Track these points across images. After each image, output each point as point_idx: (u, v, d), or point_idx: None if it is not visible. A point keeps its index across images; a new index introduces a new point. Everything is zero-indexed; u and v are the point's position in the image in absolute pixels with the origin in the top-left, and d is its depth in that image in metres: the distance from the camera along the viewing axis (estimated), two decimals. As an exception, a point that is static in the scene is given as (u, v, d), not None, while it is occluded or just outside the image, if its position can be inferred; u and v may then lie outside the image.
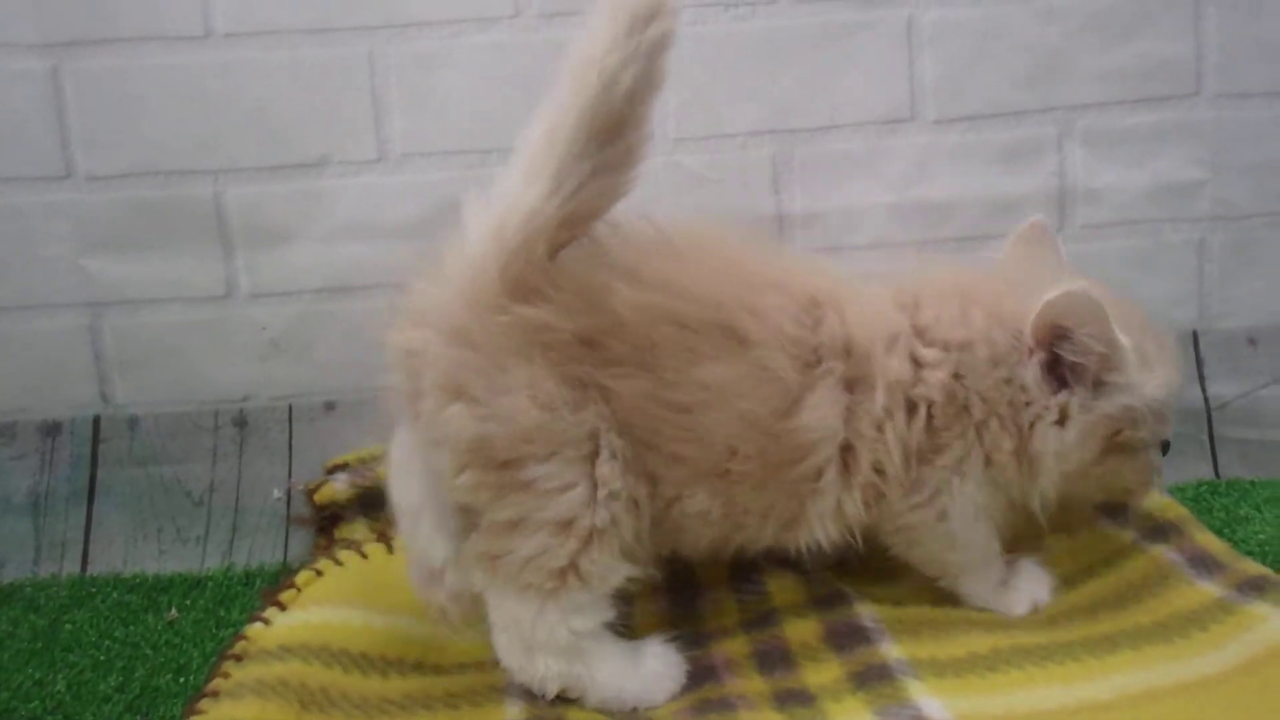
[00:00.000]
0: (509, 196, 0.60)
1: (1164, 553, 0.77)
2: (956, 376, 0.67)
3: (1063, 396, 0.68)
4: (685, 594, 0.79)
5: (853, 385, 0.67)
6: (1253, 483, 1.05)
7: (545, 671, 0.64)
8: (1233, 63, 1.08)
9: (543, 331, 0.60)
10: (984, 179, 1.07)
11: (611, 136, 0.59)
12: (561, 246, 0.62)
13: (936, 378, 0.67)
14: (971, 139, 1.06)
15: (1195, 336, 1.13)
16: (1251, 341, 1.13)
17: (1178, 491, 1.02)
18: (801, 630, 0.70)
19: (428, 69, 1.02)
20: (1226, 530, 0.91)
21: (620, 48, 0.57)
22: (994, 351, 0.68)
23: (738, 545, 0.69)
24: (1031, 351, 0.68)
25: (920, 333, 0.69)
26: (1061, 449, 0.68)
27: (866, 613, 0.71)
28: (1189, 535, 0.79)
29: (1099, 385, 0.68)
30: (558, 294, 0.61)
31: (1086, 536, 0.82)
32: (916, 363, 0.68)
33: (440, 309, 0.61)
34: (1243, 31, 1.07)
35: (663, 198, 1.00)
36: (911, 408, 0.67)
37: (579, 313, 0.61)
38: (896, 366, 0.67)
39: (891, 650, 0.66)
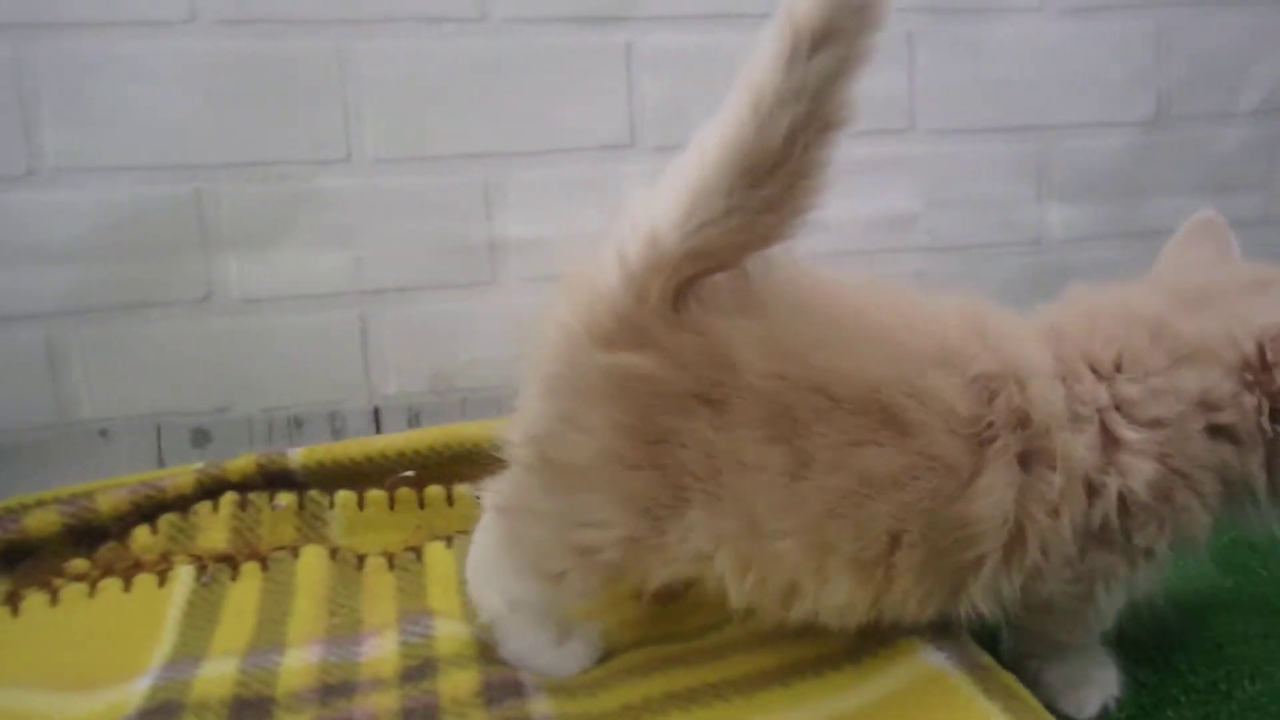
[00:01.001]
0: (640, 220, 0.53)
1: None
2: (1163, 458, 0.57)
3: None
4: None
5: (1027, 460, 0.57)
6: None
7: (489, 604, 0.64)
8: (944, 99, 1.10)
9: (645, 381, 0.54)
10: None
11: (761, 179, 0.50)
12: (691, 282, 0.54)
13: (1143, 468, 0.57)
14: (694, 167, 1.04)
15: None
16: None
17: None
18: (456, 683, 0.65)
19: (85, 75, 0.91)
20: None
21: (781, 78, 0.47)
22: (1209, 402, 0.58)
23: (894, 622, 0.62)
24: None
25: (1120, 405, 0.58)
26: None
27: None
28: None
29: None
30: (675, 343, 0.54)
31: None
32: (1114, 442, 0.58)
33: (563, 321, 0.56)
34: (953, 71, 1.10)
35: (362, 222, 0.94)
36: (1094, 490, 0.57)
37: (700, 367, 0.54)
38: (1084, 451, 0.57)
39: (539, 705, 0.62)
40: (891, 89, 1.08)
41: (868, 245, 1.11)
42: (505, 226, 1.01)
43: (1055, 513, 0.57)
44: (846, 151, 1.05)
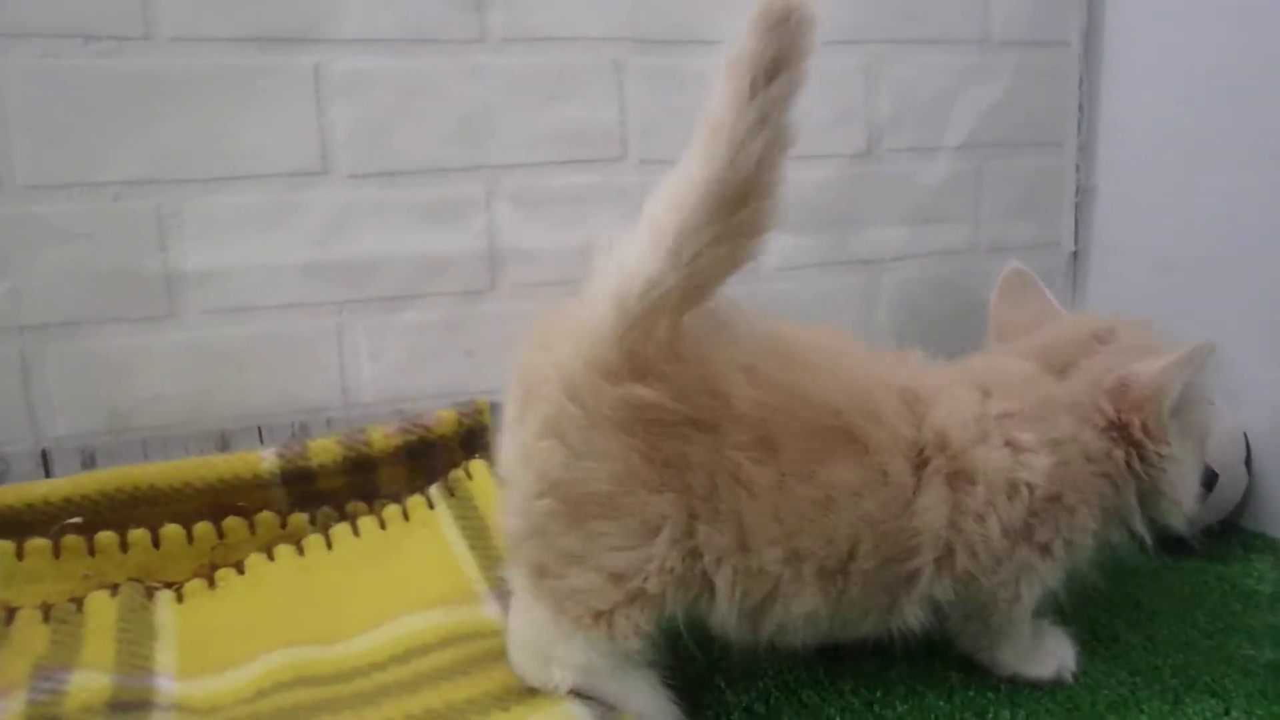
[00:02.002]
0: (632, 264, 0.59)
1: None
2: (1060, 465, 0.69)
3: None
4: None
5: (953, 480, 0.68)
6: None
7: (559, 679, 0.67)
8: (655, 130, 1.10)
9: (652, 410, 0.61)
10: (410, 237, 1.02)
11: (739, 205, 0.57)
12: (683, 314, 0.61)
13: (1040, 463, 0.68)
14: (394, 195, 1.01)
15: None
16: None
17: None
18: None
19: None
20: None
21: (744, 112, 0.55)
22: (1087, 451, 0.71)
23: (849, 635, 0.72)
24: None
25: (1008, 418, 0.70)
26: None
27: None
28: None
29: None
30: (675, 374, 0.61)
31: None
32: (1014, 447, 0.69)
33: (561, 361, 0.62)
34: (661, 102, 1.10)
35: (16, 252, 0.87)
36: (1012, 490, 0.68)
37: (696, 396, 0.61)
38: (996, 456, 0.68)
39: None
40: (602, 118, 1.07)
41: (578, 276, 1.10)
42: (182, 257, 0.95)
43: (981, 518, 0.68)
44: (556, 180, 1.05)
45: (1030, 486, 0.69)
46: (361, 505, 0.98)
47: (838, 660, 0.81)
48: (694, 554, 0.64)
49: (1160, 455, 0.71)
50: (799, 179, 1.18)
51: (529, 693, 0.69)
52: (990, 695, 0.77)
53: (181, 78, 0.93)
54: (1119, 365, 0.72)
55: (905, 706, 0.76)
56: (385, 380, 1.05)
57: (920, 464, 0.67)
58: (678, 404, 0.61)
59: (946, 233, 1.29)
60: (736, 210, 0.58)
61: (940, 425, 0.68)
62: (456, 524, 0.93)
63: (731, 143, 0.56)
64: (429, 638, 0.78)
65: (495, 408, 1.07)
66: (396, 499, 0.98)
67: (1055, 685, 0.77)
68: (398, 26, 0.99)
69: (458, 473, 0.98)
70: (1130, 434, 0.72)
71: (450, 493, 0.97)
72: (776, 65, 0.55)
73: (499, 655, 0.74)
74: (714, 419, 0.62)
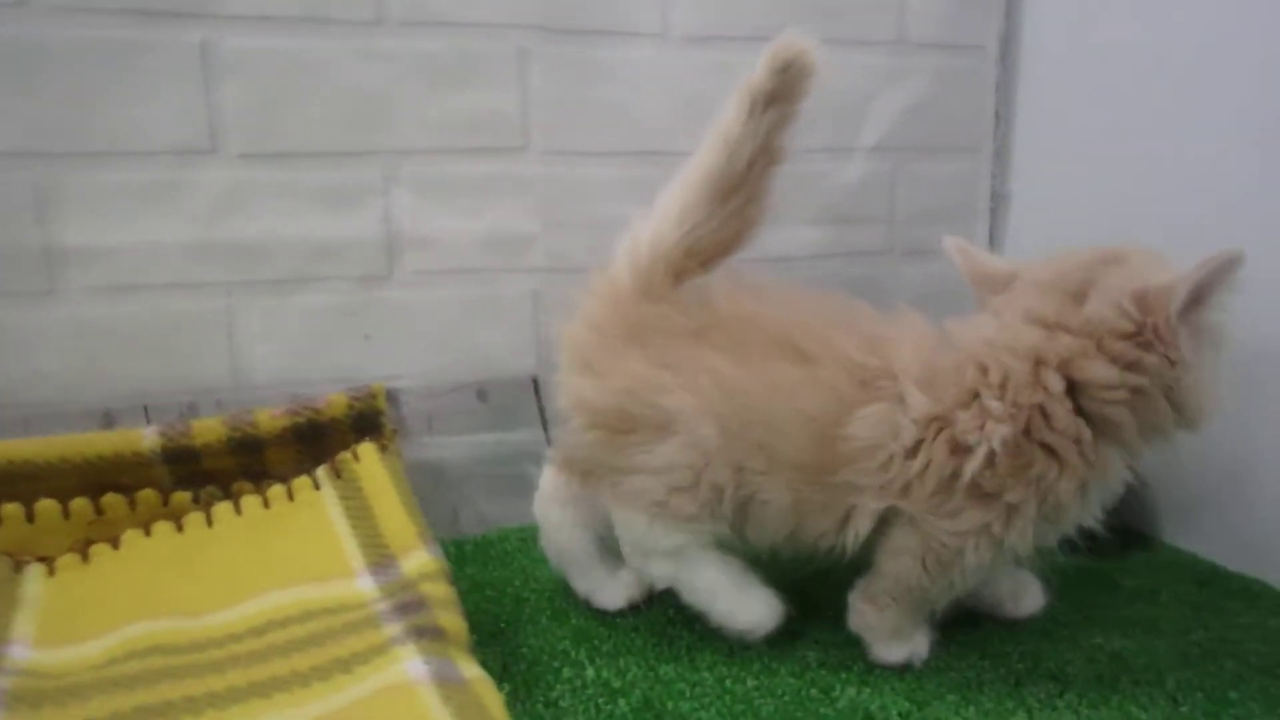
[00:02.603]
0: (646, 228, 0.78)
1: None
2: (1027, 432, 0.71)
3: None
4: None
5: (900, 405, 0.74)
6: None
7: (658, 571, 0.81)
8: (561, 121, 1.10)
9: (663, 320, 0.77)
10: (304, 220, 1.02)
11: (729, 196, 0.76)
12: (685, 275, 0.78)
13: (999, 431, 0.71)
14: (288, 177, 1.01)
15: (536, 383, 1.14)
16: (593, 389, 1.16)
17: (529, 530, 1.05)
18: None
19: None
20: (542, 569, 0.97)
21: (743, 124, 0.73)
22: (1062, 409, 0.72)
23: (812, 538, 0.78)
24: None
25: (988, 387, 0.73)
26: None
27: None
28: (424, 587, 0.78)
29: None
30: (674, 298, 0.78)
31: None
32: (983, 410, 0.72)
33: (586, 308, 0.80)
34: (567, 92, 1.10)
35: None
36: (962, 449, 0.72)
37: (693, 312, 0.77)
38: (925, 402, 0.73)
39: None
40: (504, 107, 1.07)
41: (481, 265, 1.10)
42: (63, 232, 0.94)
43: (911, 454, 0.73)
44: (457, 168, 1.05)
45: (990, 451, 0.71)
46: (248, 485, 0.96)
47: (702, 638, 0.82)
48: (703, 458, 0.76)
49: (1172, 360, 0.71)
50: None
51: (374, 655, 0.67)
52: (841, 674, 0.78)
53: (59, 48, 0.92)
54: (1140, 279, 0.72)
55: (755, 682, 0.77)
56: (279, 363, 1.04)
57: (866, 382, 0.74)
58: (676, 315, 0.77)
59: (861, 234, 1.29)
60: (729, 198, 0.76)
61: (896, 361, 0.75)
62: (341, 504, 0.92)
63: (728, 145, 0.74)
64: (291, 611, 0.77)
65: (393, 393, 1.06)
66: (285, 480, 0.96)
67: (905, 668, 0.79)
68: (291, 4, 0.99)
69: (345, 455, 0.97)
70: (1151, 339, 0.71)
71: (337, 474, 0.96)
72: (774, 98, 0.73)
73: (359, 626, 0.73)
74: (702, 327, 0.77)
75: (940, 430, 0.73)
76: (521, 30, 1.09)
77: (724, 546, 0.80)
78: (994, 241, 1.33)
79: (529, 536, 1.04)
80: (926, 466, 0.73)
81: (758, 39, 1.22)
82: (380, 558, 0.83)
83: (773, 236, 1.22)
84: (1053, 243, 1.24)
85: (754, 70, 0.73)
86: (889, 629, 0.79)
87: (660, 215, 0.77)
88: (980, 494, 0.73)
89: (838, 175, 1.26)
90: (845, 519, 0.76)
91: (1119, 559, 1.01)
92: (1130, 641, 0.83)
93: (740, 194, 0.76)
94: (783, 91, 0.73)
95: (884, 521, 0.77)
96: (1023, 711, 0.73)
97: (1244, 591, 0.93)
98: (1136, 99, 1.10)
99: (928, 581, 0.77)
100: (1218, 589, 0.94)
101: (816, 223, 1.26)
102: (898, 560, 0.77)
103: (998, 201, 1.33)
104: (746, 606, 0.79)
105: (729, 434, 0.75)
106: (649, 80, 1.15)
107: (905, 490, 0.74)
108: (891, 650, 0.79)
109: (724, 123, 0.74)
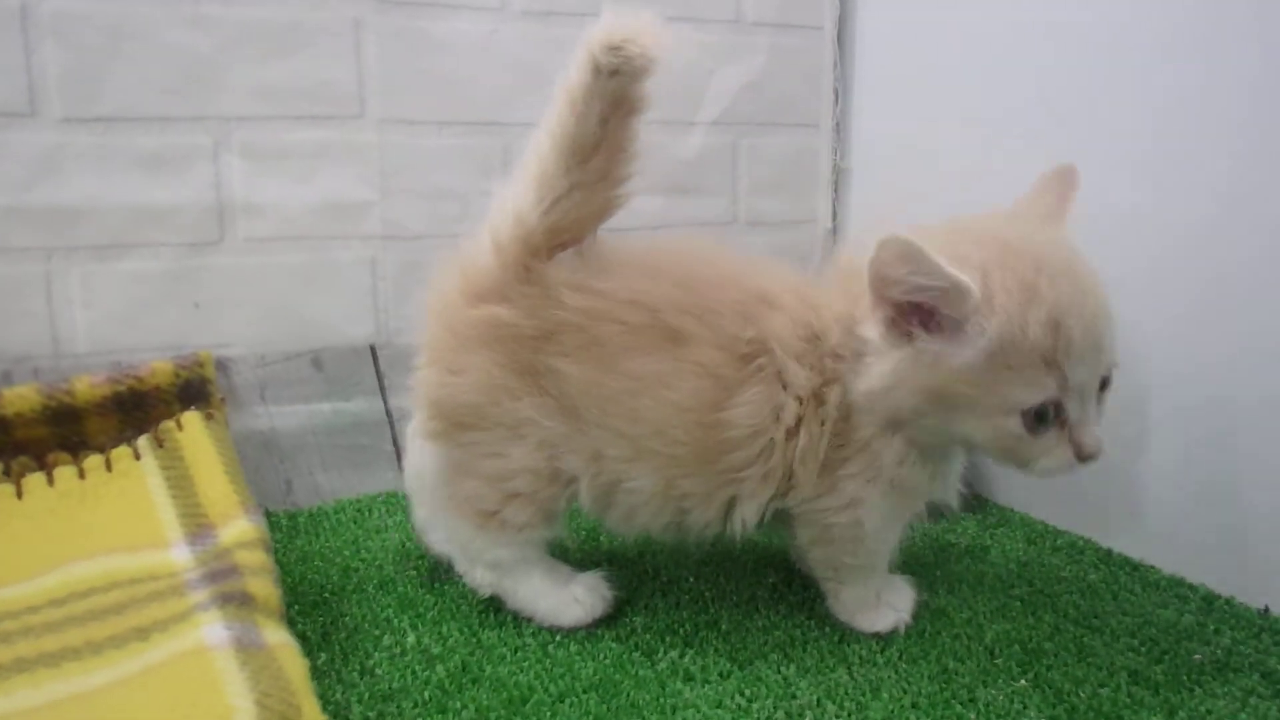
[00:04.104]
0: (506, 205, 0.72)
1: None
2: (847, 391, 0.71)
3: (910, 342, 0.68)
4: None
5: (785, 384, 0.71)
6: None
7: (480, 579, 0.80)
8: (396, 90, 1.11)
9: (507, 327, 0.72)
10: (128, 184, 1.00)
11: (588, 156, 0.69)
12: (555, 251, 0.73)
13: (833, 394, 0.71)
14: (111, 141, 0.99)
15: (374, 351, 1.15)
16: (433, 357, 1.17)
17: (365, 501, 1.06)
18: None
19: None
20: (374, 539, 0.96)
21: (586, 80, 0.66)
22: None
23: (696, 529, 0.76)
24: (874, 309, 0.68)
25: (827, 338, 0.72)
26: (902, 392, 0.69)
27: None
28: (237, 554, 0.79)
29: (955, 327, 0.65)
30: (523, 297, 0.72)
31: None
32: (822, 374, 0.71)
33: (440, 293, 0.75)
34: (405, 62, 1.10)
35: None
36: (822, 418, 0.71)
37: (539, 312, 0.72)
38: (803, 375, 0.71)
39: None
40: (338, 75, 1.07)
41: (316, 232, 1.10)
42: None
43: (791, 434, 0.71)
44: (289, 135, 1.04)
45: (831, 417, 0.71)
46: (64, 456, 0.95)
47: None
48: (552, 452, 0.74)
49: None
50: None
51: (175, 622, 0.68)
52: (666, 638, 0.80)
53: None
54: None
55: (578, 647, 0.78)
56: (101, 330, 1.02)
57: (745, 358, 0.71)
58: (527, 319, 0.72)
59: (704, 205, 1.33)
60: (588, 159, 0.69)
61: (772, 328, 0.71)
62: (161, 473, 0.92)
63: (574, 106, 0.68)
64: (96, 582, 0.77)
65: (224, 361, 1.06)
66: (104, 451, 0.95)
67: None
68: (111, -34, 0.97)
69: (169, 424, 0.97)
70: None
71: (159, 444, 0.96)
72: (613, 70, 0.66)
73: (164, 594, 0.74)
74: (553, 328, 0.72)
75: (820, 403, 0.71)
76: (356, 1, 1.08)
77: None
78: (837, 214, 1.39)
79: (364, 508, 1.06)
80: (808, 445, 0.71)
81: (595, 14, 1.25)
82: (198, 527, 0.84)
83: (613, 208, 1.26)
84: (891, 216, 1.30)
85: (594, 29, 0.67)
86: (855, 603, 0.80)
87: (518, 195, 0.72)
88: (834, 465, 0.72)
89: (678, 148, 1.30)
90: (729, 508, 0.74)
91: (953, 521, 1.06)
92: (954, 598, 0.86)
93: (600, 153, 0.70)
94: (622, 68, 0.66)
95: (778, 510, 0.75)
96: (843, 668, 0.75)
97: (1069, 547, 0.97)
98: (965, 76, 1.15)
99: (853, 558, 0.76)
100: (1044, 546, 0.98)
101: (659, 193, 1.29)
102: (816, 549, 0.78)
103: (839, 175, 1.38)
104: (568, 606, 0.79)
105: (584, 424, 0.73)
106: (486, 52, 1.16)
107: (789, 476, 0.72)
108: (873, 620, 0.80)
109: (569, 82, 0.68)
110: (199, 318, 1.06)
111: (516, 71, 1.16)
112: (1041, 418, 0.66)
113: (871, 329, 0.68)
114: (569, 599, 0.79)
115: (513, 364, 0.73)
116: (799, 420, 0.71)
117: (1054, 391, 0.65)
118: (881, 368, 0.68)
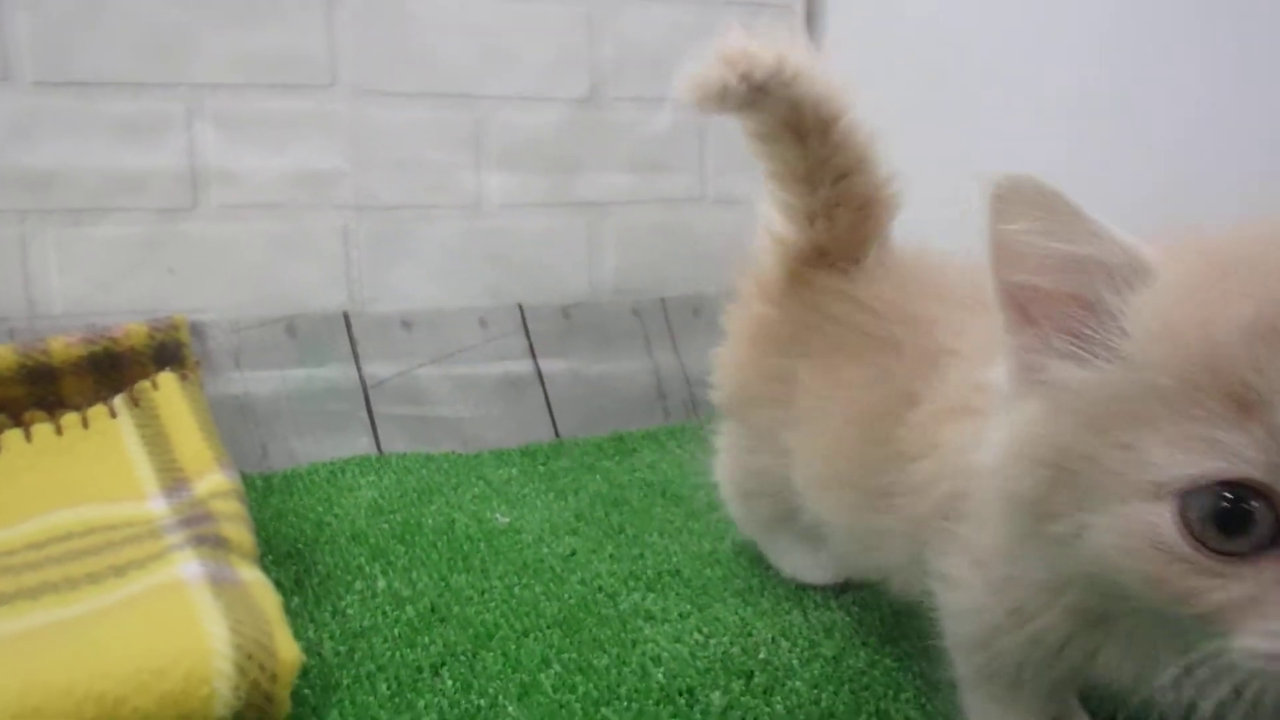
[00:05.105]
0: (774, 225, 0.74)
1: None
2: None
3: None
4: None
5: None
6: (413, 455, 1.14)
7: (747, 530, 0.84)
8: (369, 61, 1.13)
9: (769, 325, 0.73)
10: (101, 150, 1.02)
11: (817, 182, 0.69)
12: (832, 262, 0.71)
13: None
14: (85, 106, 1.00)
15: (347, 319, 1.17)
16: (405, 325, 1.20)
17: (339, 464, 1.08)
18: None
19: None
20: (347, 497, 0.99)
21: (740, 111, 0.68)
22: None
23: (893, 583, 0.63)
24: None
25: None
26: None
27: None
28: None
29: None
30: (786, 301, 0.72)
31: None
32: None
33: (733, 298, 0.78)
34: (377, 34, 1.12)
35: None
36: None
37: (796, 317, 0.71)
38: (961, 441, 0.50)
39: None
40: (310, 45, 1.09)
41: (289, 200, 1.12)
42: None
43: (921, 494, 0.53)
44: (262, 104, 1.06)
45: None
46: (41, 414, 0.97)
47: (495, 552, 0.89)
48: (786, 457, 0.70)
49: None
50: (521, 120, 1.23)
51: (151, 560, 0.70)
52: (629, 583, 0.83)
53: None
54: None
55: (543, 589, 0.82)
56: (77, 294, 1.04)
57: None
58: (784, 320, 0.72)
59: (672, 182, 1.35)
60: (816, 187, 0.69)
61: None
62: (137, 431, 0.94)
63: (762, 137, 0.70)
64: (74, 527, 0.79)
65: (198, 326, 1.08)
66: (80, 410, 0.97)
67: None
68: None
69: (144, 384, 0.99)
70: None
71: (135, 403, 0.98)
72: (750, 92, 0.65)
73: (141, 537, 0.76)
74: (804, 331, 0.70)
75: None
76: (329, -31, 1.10)
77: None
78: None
79: (338, 470, 1.08)
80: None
81: (568, -10, 1.28)
82: (174, 481, 0.86)
83: (584, 181, 1.29)
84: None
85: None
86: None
87: (777, 211, 0.73)
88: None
89: (646, 124, 1.32)
90: (921, 554, 0.54)
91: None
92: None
93: (824, 176, 0.69)
94: (758, 98, 0.64)
95: None
96: (798, 611, 0.78)
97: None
98: (933, 60, 1.18)
99: (954, 654, 0.57)
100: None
101: (626, 169, 1.31)
102: None
103: (803, 155, 1.40)
104: (806, 569, 0.81)
105: (798, 443, 0.68)
106: (458, 25, 1.18)
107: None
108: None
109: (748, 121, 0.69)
110: (173, 283, 1.08)
111: (488, 45, 1.18)
112: (1231, 520, 0.34)
113: (998, 365, 0.43)
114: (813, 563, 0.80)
115: (767, 365, 0.73)
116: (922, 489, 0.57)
117: (1249, 461, 0.33)
118: (999, 429, 0.42)
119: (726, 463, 0.82)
